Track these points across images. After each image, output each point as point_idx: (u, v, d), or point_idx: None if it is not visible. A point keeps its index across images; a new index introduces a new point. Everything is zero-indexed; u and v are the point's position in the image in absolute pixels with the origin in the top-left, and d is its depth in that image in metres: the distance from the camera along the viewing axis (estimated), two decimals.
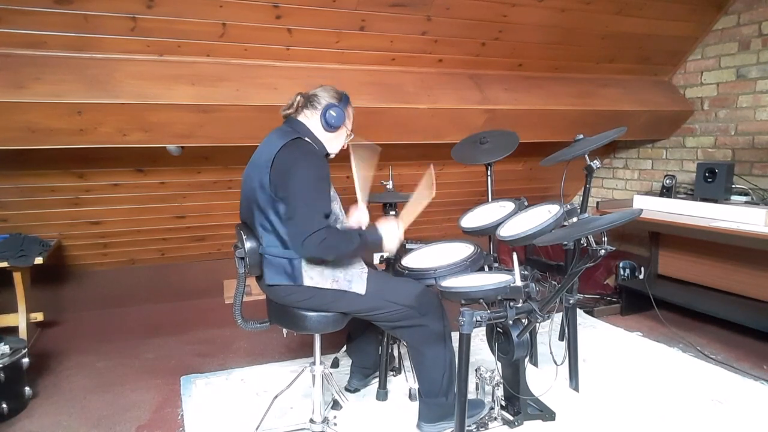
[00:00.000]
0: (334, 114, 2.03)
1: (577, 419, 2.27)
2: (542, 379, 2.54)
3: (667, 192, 3.59)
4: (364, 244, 1.97)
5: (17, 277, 3.09)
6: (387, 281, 2.13)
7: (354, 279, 2.02)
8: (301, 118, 2.08)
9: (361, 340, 2.55)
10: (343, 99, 2.09)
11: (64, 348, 3.21)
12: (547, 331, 2.81)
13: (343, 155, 2.18)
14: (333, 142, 2.12)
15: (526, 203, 2.35)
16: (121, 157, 3.07)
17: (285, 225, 1.93)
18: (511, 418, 2.20)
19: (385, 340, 2.47)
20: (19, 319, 3.16)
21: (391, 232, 2.03)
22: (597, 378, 2.71)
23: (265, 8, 2.57)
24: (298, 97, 2.08)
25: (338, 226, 2.03)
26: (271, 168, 1.91)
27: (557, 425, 2.22)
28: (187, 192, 3.49)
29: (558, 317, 2.88)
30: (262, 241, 1.99)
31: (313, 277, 1.96)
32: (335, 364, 2.86)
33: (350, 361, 2.65)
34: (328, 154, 2.12)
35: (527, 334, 2.07)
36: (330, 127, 2.05)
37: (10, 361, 2.39)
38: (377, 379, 2.53)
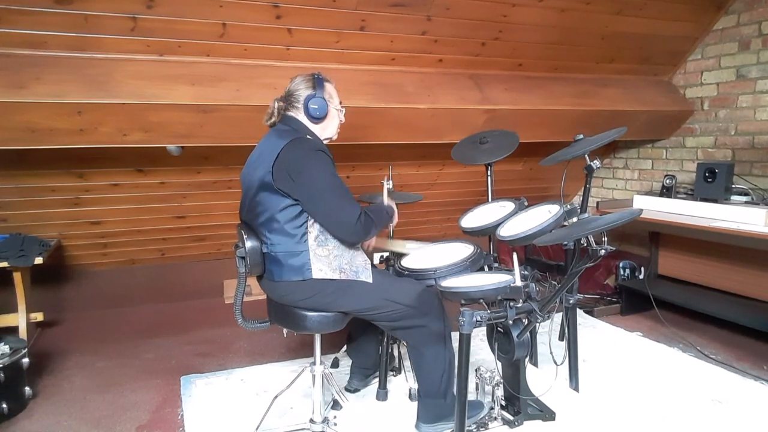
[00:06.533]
0: (316, 106, 2.03)
1: (577, 419, 2.27)
2: (542, 379, 2.54)
3: (667, 192, 3.59)
4: (386, 213, 2.16)
5: (17, 277, 3.09)
6: (387, 281, 2.13)
7: (360, 270, 2.04)
8: (293, 114, 2.08)
9: (362, 340, 2.54)
10: (317, 84, 2.06)
11: (64, 348, 3.22)
12: (547, 331, 2.81)
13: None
14: (329, 128, 2.13)
15: (526, 203, 2.35)
16: (121, 157, 3.07)
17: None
18: (511, 418, 2.20)
19: (385, 340, 2.47)
20: (19, 319, 3.16)
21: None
22: (597, 378, 2.71)
23: (265, 8, 2.57)
24: (276, 103, 2.09)
25: None
26: (276, 168, 1.91)
27: (557, 425, 2.22)
28: (187, 192, 3.49)
29: (558, 317, 2.87)
30: (267, 240, 1.99)
31: (322, 268, 1.97)
32: (335, 364, 2.86)
33: (350, 361, 2.65)
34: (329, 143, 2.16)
35: (527, 334, 2.07)
36: (318, 119, 2.05)
37: (10, 361, 2.39)
38: (377, 379, 2.53)
